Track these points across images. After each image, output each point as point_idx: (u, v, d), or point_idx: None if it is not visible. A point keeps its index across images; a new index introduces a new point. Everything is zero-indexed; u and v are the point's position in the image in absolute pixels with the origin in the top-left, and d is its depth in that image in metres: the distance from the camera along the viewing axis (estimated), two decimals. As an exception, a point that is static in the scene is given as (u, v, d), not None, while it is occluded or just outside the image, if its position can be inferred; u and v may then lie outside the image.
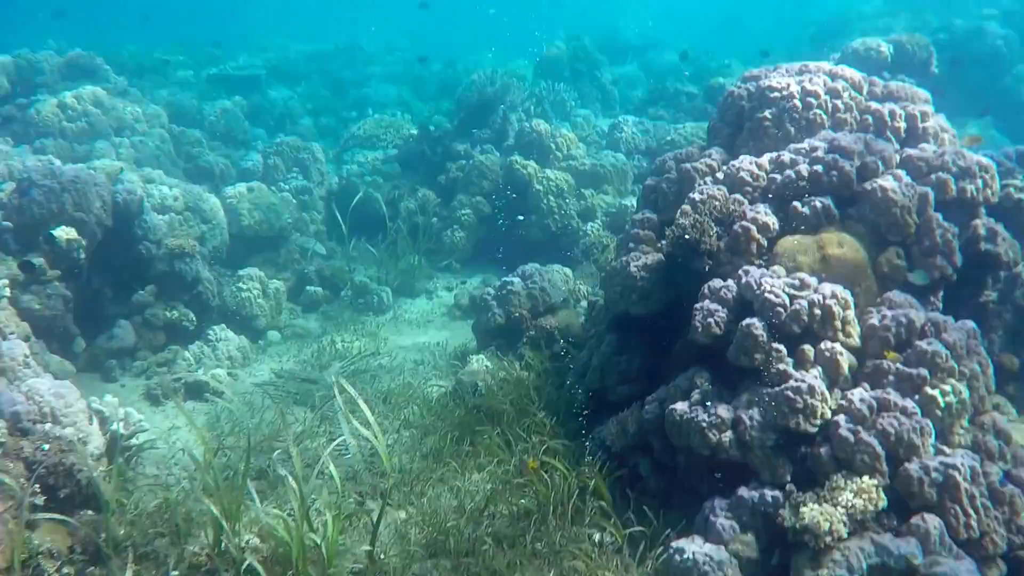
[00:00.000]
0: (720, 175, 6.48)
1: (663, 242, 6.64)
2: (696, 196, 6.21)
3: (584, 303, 9.51)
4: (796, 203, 5.85)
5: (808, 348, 5.15)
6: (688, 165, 6.70)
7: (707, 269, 5.93)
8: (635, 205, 11.08)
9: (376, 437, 5.87)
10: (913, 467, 4.49)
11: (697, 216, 5.98)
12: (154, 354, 9.50)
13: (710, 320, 5.48)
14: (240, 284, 10.53)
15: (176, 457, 7.22)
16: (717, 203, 6.06)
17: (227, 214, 12.36)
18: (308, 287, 11.90)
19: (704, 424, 5.11)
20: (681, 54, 17.33)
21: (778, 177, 6.02)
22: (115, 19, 37.35)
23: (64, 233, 8.77)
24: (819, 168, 5.81)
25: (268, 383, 9.19)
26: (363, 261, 13.37)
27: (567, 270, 10.13)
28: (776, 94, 6.48)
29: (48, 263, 8.73)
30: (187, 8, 46.17)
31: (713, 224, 5.94)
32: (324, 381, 9.02)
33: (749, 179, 6.14)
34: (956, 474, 4.37)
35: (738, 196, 6.08)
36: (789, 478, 4.86)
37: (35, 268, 8.38)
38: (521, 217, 12.40)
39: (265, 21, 39.28)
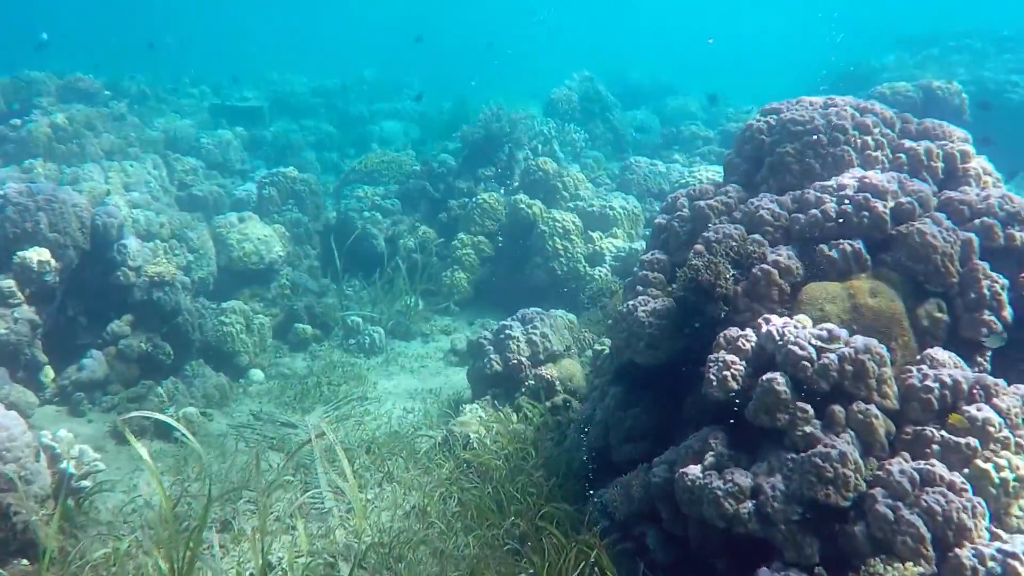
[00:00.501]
0: (737, 214, 6.02)
1: (674, 285, 6.15)
2: (711, 235, 5.74)
3: (589, 352, 8.99)
4: (823, 246, 5.36)
5: (839, 409, 4.61)
6: (702, 203, 6.25)
7: (723, 316, 5.43)
8: (645, 249, 10.66)
9: (353, 491, 5.33)
10: (965, 554, 3.91)
11: (712, 257, 5.50)
12: (126, 388, 9.01)
13: (726, 373, 4.96)
14: (222, 318, 10.06)
15: (135, 503, 6.69)
16: (734, 243, 5.58)
17: (216, 244, 12.01)
18: (297, 324, 11.44)
19: (719, 492, 4.55)
20: (710, 97, 16.99)
21: (802, 217, 5.55)
22: (125, 46, 37.57)
23: (35, 255, 8.36)
24: (848, 208, 5.34)
25: (245, 425, 8.66)
26: (357, 300, 12.93)
27: (571, 316, 9.64)
28: (799, 128, 6.04)
29: (17, 285, 8.30)
30: (196, 40, 46.52)
31: (729, 266, 5.46)
32: (305, 426, 8.50)
33: (770, 218, 5.67)
34: (1018, 565, 3.79)
35: (757, 237, 5.60)
36: (817, 559, 4.28)
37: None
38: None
39: (272, 55, 39.43)
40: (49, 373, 8.78)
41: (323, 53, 44.68)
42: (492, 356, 8.26)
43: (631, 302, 6.18)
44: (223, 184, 15.91)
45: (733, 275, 5.44)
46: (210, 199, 14.63)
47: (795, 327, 4.93)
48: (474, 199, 13.17)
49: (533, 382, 8.00)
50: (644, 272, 6.43)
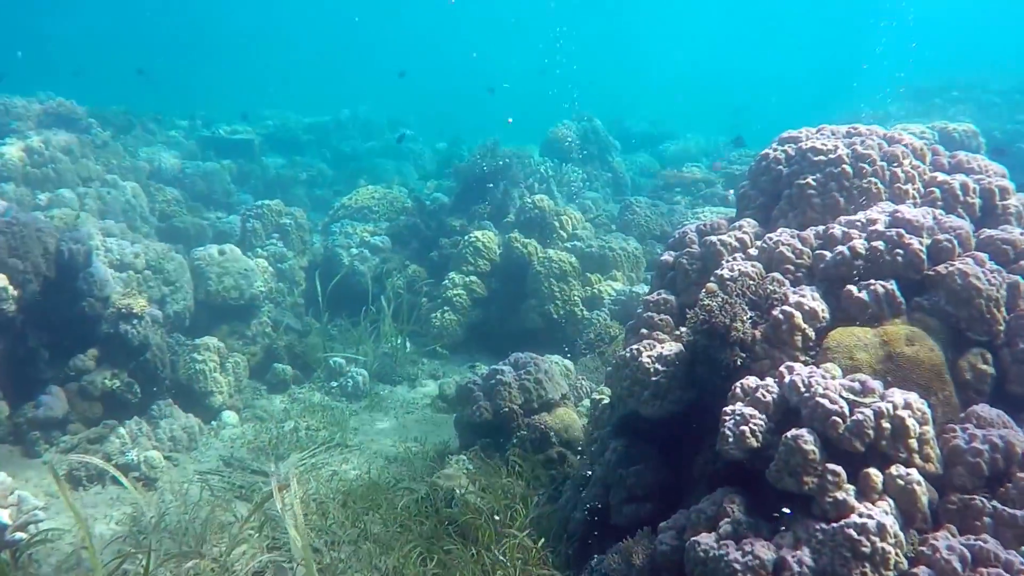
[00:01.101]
0: (753, 250, 5.56)
1: (683, 328, 5.66)
2: (725, 273, 5.26)
3: (586, 402, 8.45)
4: (851, 287, 4.88)
5: (875, 473, 4.08)
6: (714, 238, 5.78)
7: (739, 363, 4.92)
8: (646, 292, 10.18)
9: (306, 554, 4.75)
10: (1031, 649, 3.37)
11: (727, 297, 5.01)
12: (87, 428, 8.42)
13: (744, 429, 4.44)
14: (195, 355, 9.51)
15: (82, 556, 6.08)
16: (751, 283, 5.10)
17: (194, 277, 11.50)
18: (276, 364, 10.88)
19: (737, 566, 4.00)
20: (735, 140, 16.56)
21: (827, 254, 5.08)
22: (120, 77, 37.51)
23: (-10, 282, 7.84)
24: (880, 245, 4.87)
25: (213, 472, 8.06)
26: (342, 340, 12.41)
27: (567, 363, 9.13)
28: (821, 157, 5.61)
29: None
30: (191, 73, 46.68)
31: (747, 308, 4.97)
32: (278, 474, 7.89)
33: (791, 255, 5.20)
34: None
35: (777, 275, 5.13)
36: (853, 649, 3.72)
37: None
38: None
39: (268, 91, 39.43)
40: (4, 409, 8.20)
41: (319, 90, 44.84)
42: (482, 403, 7.71)
43: (634, 346, 5.68)
44: (207, 216, 15.49)
45: (751, 318, 4.95)
46: (192, 231, 14.19)
47: (823, 377, 4.43)
48: (466, 237, 12.73)
49: (526, 432, 7.44)
50: (649, 314, 5.94)
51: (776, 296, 4.98)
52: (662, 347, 5.56)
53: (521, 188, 14.68)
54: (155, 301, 10.56)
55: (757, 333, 4.93)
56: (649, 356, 5.49)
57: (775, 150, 6.00)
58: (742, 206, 6.23)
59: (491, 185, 14.13)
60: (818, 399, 4.24)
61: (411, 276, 13.24)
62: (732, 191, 15.25)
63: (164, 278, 10.90)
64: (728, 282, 5.18)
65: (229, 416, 9.48)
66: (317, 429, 9.14)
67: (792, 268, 5.16)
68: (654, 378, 5.40)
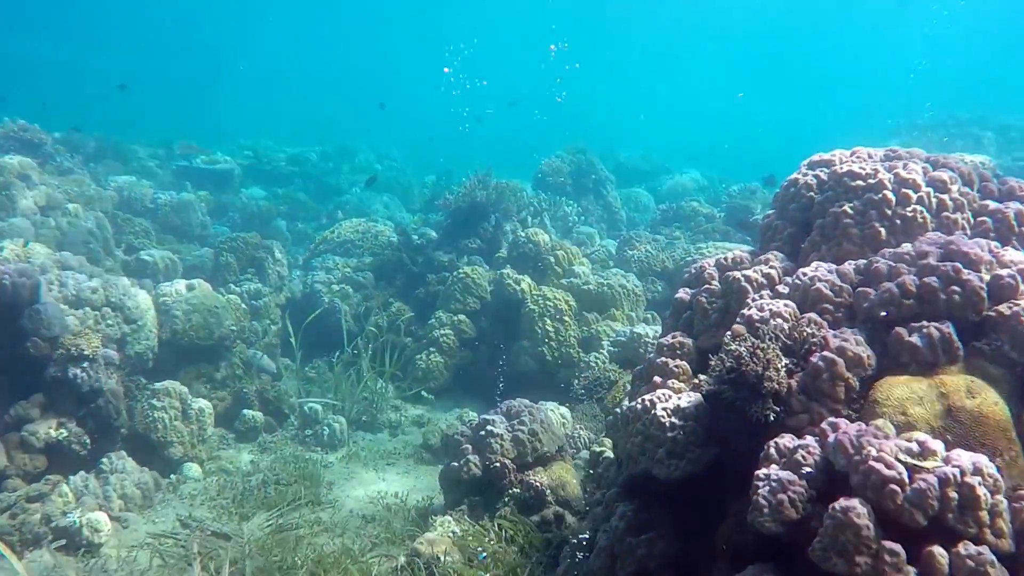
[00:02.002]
0: (783, 287, 5.00)
1: (703, 376, 5.07)
2: (754, 314, 4.70)
3: (584, 453, 7.82)
4: (900, 330, 4.32)
5: (940, 553, 3.47)
6: (738, 274, 5.22)
7: (772, 418, 4.32)
8: (648, 335, 9.58)
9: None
10: None
11: (757, 342, 4.43)
12: (27, 484, 7.69)
13: (781, 497, 3.83)
14: (153, 401, 8.83)
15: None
16: (784, 324, 4.53)
17: (159, 315, 10.85)
18: (245, 411, 10.20)
19: (782, 669, 3.37)
20: (766, 179, 15.92)
21: (871, 292, 4.52)
22: (102, 105, 37.12)
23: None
24: (933, 282, 4.32)
25: (167, 534, 7.35)
26: (320, 383, 11.76)
27: (564, 410, 8.53)
28: (859, 183, 5.07)
29: None
30: (175, 101, 46.39)
31: (780, 354, 4.39)
32: (240, 537, 7.20)
33: (829, 293, 4.64)
34: None
35: (814, 316, 4.56)
36: None
37: None
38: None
39: (251, 121, 39.09)
40: (-66, 462, 7.52)
41: (305, 121, 44.50)
42: (470, 457, 7.05)
43: (647, 397, 5.08)
44: (178, 249, 14.86)
45: (786, 365, 4.37)
46: (160, 265, 13.52)
47: (875, 436, 3.83)
48: (455, 273, 12.16)
49: (519, 490, 6.79)
50: (663, 359, 5.35)
51: (814, 340, 4.41)
52: (680, 398, 4.97)
53: (514, 222, 14.17)
54: (114, 341, 9.90)
55: (793, 383, 4.34)
56: (664, 409, 4.89)
57: (805, 175, 5.48)
58: (767, 238, 5.68)
59: (483, 219, 13.62)
60: (872, 463, 3.65)
61: (394, 315, 12.63)
62: (752, 224, 14.80)
63: (125, 316, 10.23)
64: (758, 324, 4.61)
65: (191, 469, 8.78)
66: (288, 484, 8.44)
67: (831, 308, 4.60)
68: (670, 434, 4.80)
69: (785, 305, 4.67)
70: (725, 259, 5.56)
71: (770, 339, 4.45)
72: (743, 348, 4.42)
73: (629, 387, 8.25)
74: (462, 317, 11.68)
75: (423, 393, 11.27)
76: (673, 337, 5.44)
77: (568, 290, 11.28)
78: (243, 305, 12.19)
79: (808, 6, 60.46)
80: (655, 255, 12.62)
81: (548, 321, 10.69)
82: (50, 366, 8.08)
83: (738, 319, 4.80)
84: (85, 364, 8.09)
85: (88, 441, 8.06)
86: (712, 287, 5.43)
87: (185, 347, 10.80)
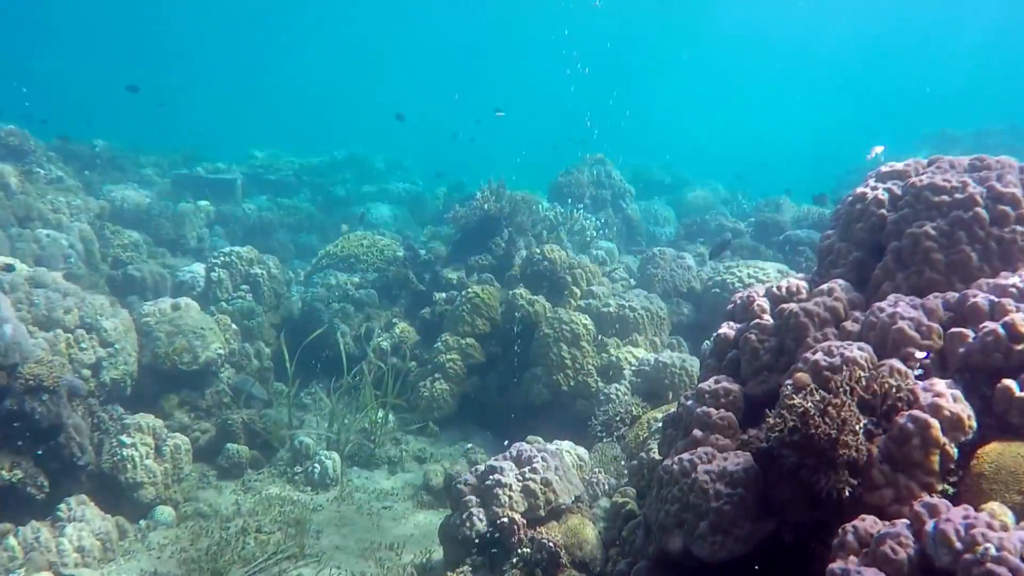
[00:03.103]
0: (852, 324, 4.14)
1: (753, 432, 4.22)
2: (821, 359, 3.83)
3: (605, 502, 6.93)
4: (1008, 382, 3.45)
5: None
6: (795, 307, 4.35)
7: (847, 492, 3.46)
8: (676, 364, 8.71)
9: None
10: None
11: (828, 396, 3.57)
12: (-26, 533, 6.91)
13: (866, 601, 2.97)
14: (122, 437, 8.02)
15: None
16: (860, 374, 3.66)
17: (141, 337, 10.09)
18: (229, 445, 9.38)
19: None
20: (818, 198, 14.69)
21: (968, 334, 3.65)
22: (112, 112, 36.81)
23: None
24: (1054, 325, 3.44)
25: (129, 592, 6.52)
26: (317, 411, 10.98)
27: (581, 451, 7.66)
28: (944, 198, 4.21)
29: None
30: (187, 114, 46.00)
31: (857, 411, 3.52)
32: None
33: (913, 334, 3.77)
34: None
35: (896, 364, 3.69)
36: None
37: None
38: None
39: (259, 130, 38.53)
40: None
41: (315, 131, 43.95)
42: (474, 511, 6.18)
43: (685, 457, 4.21)
44: (170, 264, 14.14)
45: (865, 425, 3.50)
46: (150, 280, 12.77)
47: (989, 527, 2.96)
48: (464, 292, 11.32)
49: (529, 550, 5.92)
50: (704, 409, 4.48)
51: (899, 395, 3.53)
52: (724, 459, 4.10)
53: (528, 236, 13.33)
54: (87, 366, 9.14)
55: (874, 449, 3.47)
56: (707, 472, 4.02)
57: (874, 189, 4.61)
58: (827, 263, 4.80)
59: (495, 233, 12.79)
60: (991, 566, 2.78)
61: (398, 337, 11.80)
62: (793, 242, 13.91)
63: (101, 338, 9.46)
64: (826, 372, 3.75)
65: (163, 513, 7.95)
66: (270, 532, 7.61)
67: (918, 354, 3.72)
68: (714, 504, 3.94)
69: (860, 349, 3.80)
70: (778, 288, 4.69)
71: (844, 392, 3.58)
72: (810, 403, 3.56)
73: (654, 427, 7.37)
74: (470, 341, 10.83)
75: (428, 424, 10.43)
76: (716, 382, 4.57)
77: (586, 312, 10.41)
78: (234, 325, 11.41)
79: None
80: (680, 274, 11.72)
81: (564, 347, 9.82)
82: (6, 398, 7.29)
83: (800, 364, 3.94)
84: (45, 397, 7.30)
85: (46, 483, 7.26)
86: (763, 322, 4.56)
87: (167, 372, 10.01)
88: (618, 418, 8.38)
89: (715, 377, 4.64)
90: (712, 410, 4.46)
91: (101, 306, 9.72)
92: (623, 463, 7.64)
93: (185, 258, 15.18)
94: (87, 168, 18.71)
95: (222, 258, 12.58)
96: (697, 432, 4.41)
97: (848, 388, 3.58)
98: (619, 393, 8.91)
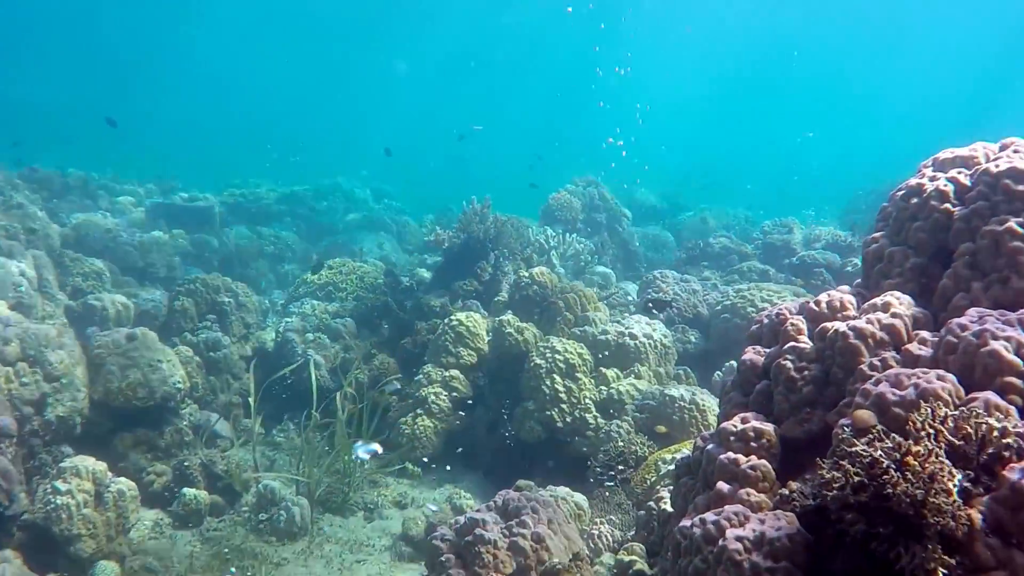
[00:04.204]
0: (920, 348, 3.29)
1: (796, 486, 3.36)
2: (887, 392, 2.98)
3: (608, 558, 6.02)
4: None
5: None
6: (842, 326, 3.50)
7: (938, 571, 2.58)
8: (685, 398, 7.84)
9: None
10: None
11: (902, 441, 2.71)
12: None
13: None
14: (56, 483, 7.08)
15: None
16: (946, 412, 2.80)
17: (92, 371, 9.22)
18: (186, 490, 8.45)
19: None
20: (853, 226, 13.88)
21: (1083, 361, 2.80)
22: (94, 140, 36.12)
23: None
24: None
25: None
26: (289, 450, 10.07)
27: (579, 498, 6.76)
28: (1027, 189, 3.38)
29: None
30: (169, 143, 45.35)
31: (948, 463, 2.65)
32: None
33: (1014, 359, 2.92)
34: None
35: (993, 398, 2.84)
36: None
37: None
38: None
39: (248, 161, 37.77)
40: None
41: (302, 161, 43.25)
42: (452, 572, 5.27)
43: (711, 519, 3.34)
44: (135, 293, 13.25)
45: (959, 483, 2.63)
46: (111, 311, 11.87)
47: None
48: (447, 320, 10.44)
49: (519, 621, 5.01)
50: (730, 455, 3.61)
51: (1005, 440, 2.67)
52: (760, 521, 3.22)
53: (517, 260, 12.50)
54: (30, 403, 8.27)
55: (976, 516, 2.60)
56: (740, 540, 3.14)
57: (933, 179, 3.78)
58: (876, 272, 3.96)
59: (481, 257, 11.96)
60: None
61: (377, 369, 10.91)
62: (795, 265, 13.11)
63: (46, 372, 8.57)
64: (896, 407, 2.90)
65: (105, 569, 7.02)
66: (224, 593, 6.68)
67: (1019, 384, 2.87)
68: (752, 582, 3.05)
69: (939, 379, 2.95)
70: (816, 304, 3.85)
71: (927, 437, 2.72)
72: (881, 452, 2.69)
73: (663, 469, 6.49)
74: (455, 373, 9.95)
75: (408, 465, 9.51)
76: (744, 421, 3.70)
77: (581, 341, 9.54)
78: (197, 358, 10.53)
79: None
80: (685, 298, 10.87)
81: (558, 379, 8.93)
82: (-80, 442, 6.40)
83: (859, 399, 3.08)
84: (-38, 439, 6.39)
85: (-36, 539, 6.34)
86: (801, 346, 3.70)
87: (121, 409, 9.12)
88: (621, 459, 7.49)
89: (741, 415, 3.77)
90: (740, 457, 3.58)
91: (47, 337, 8.84)
92: (629, 512, 6.74)
93: (153, 287, 14.31)
94: (56, 197, 17.94)
95: (187, 286, 11.71)
96: (723, 486, 3.54)
97: (931, 431, 2.72)
98: (621, 430, 8.00)
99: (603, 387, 8.96)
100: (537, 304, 10.20)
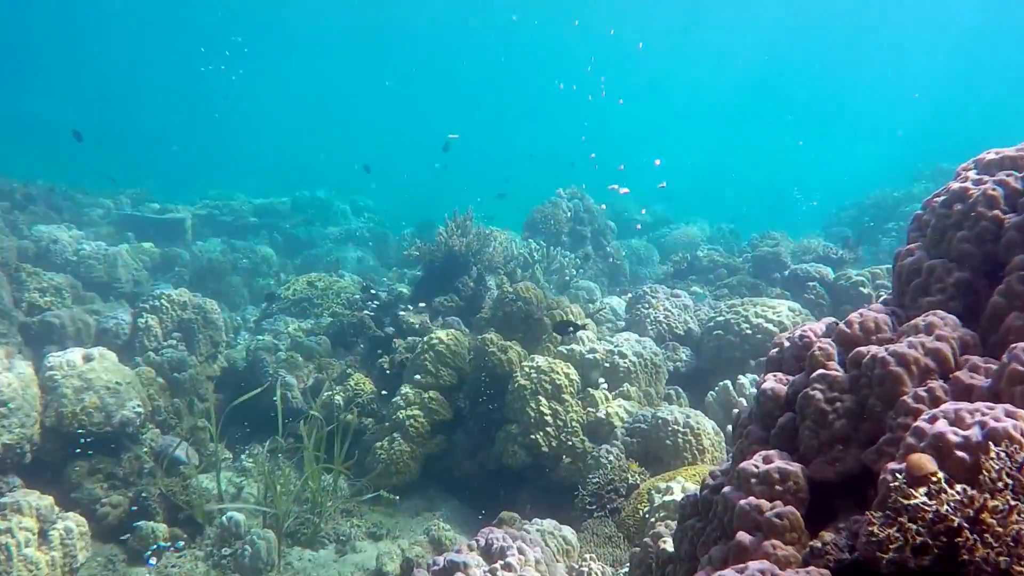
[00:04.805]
0: (972, 376, 2.83)
1: (830, 537, 2.90)
2: (947, 431, 2.51)
3: (599, 602, 5.51)
4: None
5: None
6: (882, 352, 3.03)
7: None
8: (679, 421, 7.35)
9: None
10: None
11: (973, 493, 2.23)
12: None
13: None
14: (-5, 522, 6.49)
15: None
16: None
17: (45, 394, 8.61)
18: (142, 524, 7.86)
19: None
20: (853, 238, 13.51)
21: None
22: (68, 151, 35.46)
23: None
24: None
25: None
26: (259, 477, 9.45)
27: (567, 532, 6.23)
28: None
29: None
30: (144, 154, 44.73)
31: (1031, 522, 2.18)
32: None
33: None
34: None
35: (1072, 439, 2.36)
36: None
37: None
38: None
39: (224, 173, 37.19)
40: None
41: (279, 173, 42.64)
42: (429, 623, 4.76)
43: (729, 575, 2.83)
44: (98, 310, 12.63)
45: (1048, 547, 2.15)
46: (70, 328, 11.27)
47: None
48: (426, 338, 9.92)
49: (504, 677, 4.49)
50: (752, 502, 3.11)
51: (1101, 495, 2.20)
52: (793, 581, 2.74)
53: (500, 275, 12.01)
54: (-27, 429, 7.66)
55: (1071, 589, 2.13)
56: (770, 608, 2.65)
57: (978, 183, 3.33)
58: (913, 288, 3.48)
59: (462, 272, 11.46)
60: None
61: (352, 390, 10.36)
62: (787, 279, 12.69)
63: (-8, 396, 7.98)
64: (960, 450, 2.42)
65: (49, 614, 6.42)
66: (178, 641, 6.10)
67: (1106, 421, 2.41)
68: (783, 657, 2.56)
69: (1008, 415, 2.48)
70: (848, 325, 3.37)
71: (1004, 487, 2.24)
72: (947, 506, 2.22)
73: (657, 500, 6.00)
74: (434, 394, 9.42)
75: (384, 493, 8.95)
76: (766, 460, 3.21)
77: (568, 360, 9.04)
78: (159, 379, 9.94)
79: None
80: (675, 315, 10.39)
81: (543, 400, 8.42)
82: None
83: (911, 438, 2.60)
84: None
85: None
86: (831, 373, 3.22)
87: (75, 435, 8.53)
88: (611, 487, 6.98)
89: (762, 453, 3.28)
90: (764, 503, 3.09)
91: (-8, 358, 8.25)
92: (620, 545, 6.23)
93: (118, 303, 13.70)
94: (18, 208, 17.30)
95: (151, 302, 11.12)
96: (744, 537, 3.04)
97: (1009, 481, 2.25)
98: (611, 456, 7.50)
99: (591, 409, 8.46)
100: (522, 321, 9.70)
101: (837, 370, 3.25)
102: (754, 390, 7.88)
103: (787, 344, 3.65)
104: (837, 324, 3.48)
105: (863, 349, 3.16)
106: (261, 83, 68.94)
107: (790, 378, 3.50)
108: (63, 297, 12.40)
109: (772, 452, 3.27)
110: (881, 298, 3.94)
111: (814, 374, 3.26)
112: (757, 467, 3.21)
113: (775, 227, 17.81)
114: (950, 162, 23.58)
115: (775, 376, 3.56)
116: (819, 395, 3.21)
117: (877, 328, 3.31)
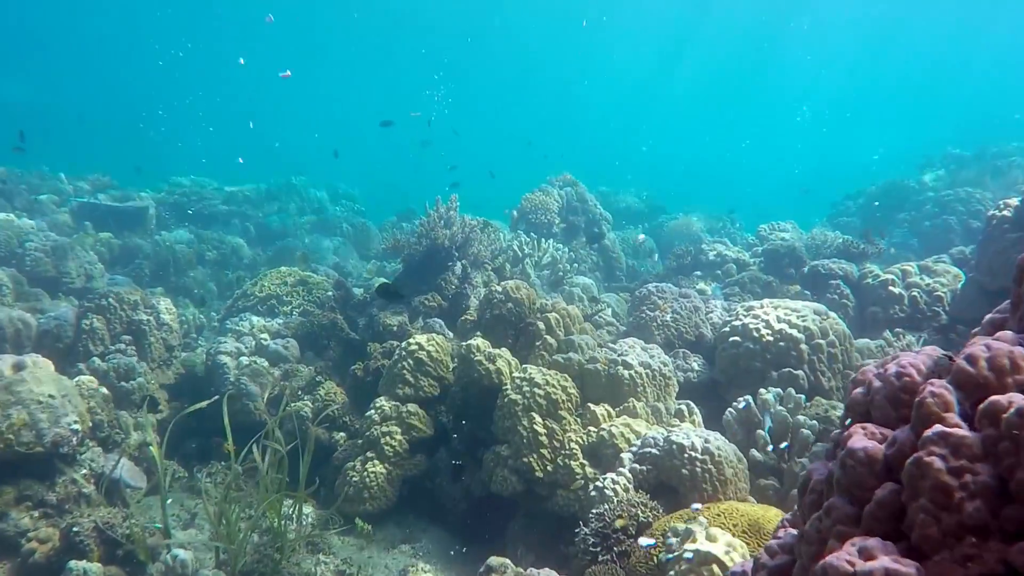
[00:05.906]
0: None
1: None
2: None
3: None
4: None
5: None
6: (1030, 406, 2.15)
7: None
8: (696, 445, 6.49)
9: None
10: None
11: None
12: None
13: None
14: None
15: None
16: None
17: (-34, 411, 7.67)
18: (72, 564, 6.96)
19: None
20: (864, 235, 12.61)
21: None
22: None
23: None
24: None
25: None
26: (217, 502, 8.54)
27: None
28: None
29: None
30: (109, 138, 43.60)
31: None
32: None
33: None
34: None
35: None
36: None
37: None
38: None
39: (195, 158, 36.04)
40: None
41: (254, 159, 41.58)
42: None
43: None
44: (44, 309, 11.69)
45: None
46: (8, 330, 10.33)
47: None
48: (406, 344, 9.03)
49: None
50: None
51: None
52: None
53: (487, 271, 11.12)
54: None
55: None
56: None
57: None
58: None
59: (446, 267, 10.56)
60: None
61: (322, 401, 9.48)
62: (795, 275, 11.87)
63: (-100, 413, 7.07)
64: None
65: None
66: None
67: None
68: None
69: None
70: (971, 362, 2.49)
71: None
72: None
73: (672, 543, 5.15)
74: (413, 408, 8.53)
75: (357, 522, 8.07)
76: (866, 556, 2.32)
77: (565, 370, 8.17)
78: (103, 389, 9.02)
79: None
80: (685, 317, 9.49)
81: (537, 418, 7.54)
82: None
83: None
84: None
85: None
86: (955, 432, 2.35)
87: (1, 456, 7.61)
88: (616, 526, 6.10)
89: (858, 543, 2.41)
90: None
91: (-99, 370, 7.33)
92: (629, 599, 5.37)
93: (67, 301, 12.74)
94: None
95: (98, 300, 10.18)
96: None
97: None
98: (617, 487, 6.61)
99: (591, 427, 7.58)
100: (512, 325, 8.82)
101: (961, 426, 2.39)
102: (780, 408, 7.01)
103: (877, 383, 2.78)
104: (951, 359, 2.62)
105: (1001, 399, 2.29)
106: (241, 69, 67.95)
107: (887, 432, 2.63)
108: (3, 294, 11.48)
109: (872, 543, 2.39)
110: (988, 316, 3.06)
111: (929, 433, 2.39)
112: (853, 566, 2.34)
113: (773, 217, 17.06)
114: (960, 148, 22.89)
115: (865, 429, 2.68)
116: (939, 463, 2.33)
117: (1014, 367, 2.44)
